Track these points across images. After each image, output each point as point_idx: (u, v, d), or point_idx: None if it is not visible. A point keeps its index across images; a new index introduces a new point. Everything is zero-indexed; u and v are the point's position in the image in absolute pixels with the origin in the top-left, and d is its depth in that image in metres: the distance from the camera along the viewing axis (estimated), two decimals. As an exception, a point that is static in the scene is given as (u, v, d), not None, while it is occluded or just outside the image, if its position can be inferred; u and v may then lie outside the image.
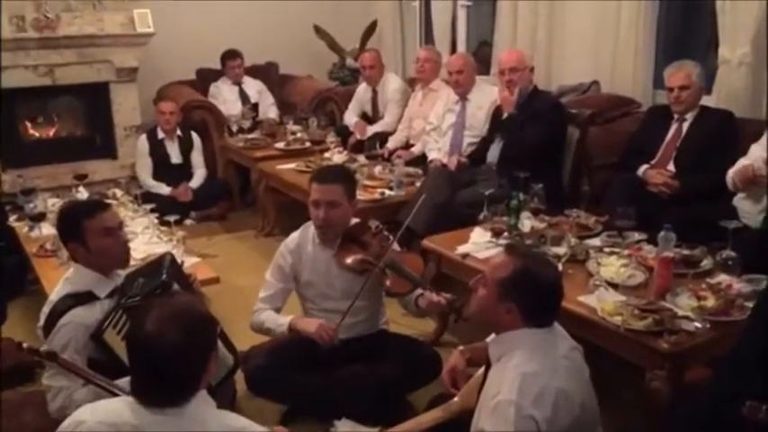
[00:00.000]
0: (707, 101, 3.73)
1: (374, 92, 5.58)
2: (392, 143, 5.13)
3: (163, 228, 3.69)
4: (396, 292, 2.70)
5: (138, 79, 5.75)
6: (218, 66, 6.01)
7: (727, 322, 2.31)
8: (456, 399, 2.17)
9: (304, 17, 6.40)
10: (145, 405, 1.53)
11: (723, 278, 2.58)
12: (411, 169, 4.41)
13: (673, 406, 2.21)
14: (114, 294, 2.28)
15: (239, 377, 2.68)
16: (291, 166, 4.65)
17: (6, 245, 3.82)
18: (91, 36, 5.45)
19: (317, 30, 6.46)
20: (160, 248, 3.22)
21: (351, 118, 5.66)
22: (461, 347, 2.31)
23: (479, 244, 3.11)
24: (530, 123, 3.91)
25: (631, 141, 3.86)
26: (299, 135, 5.34)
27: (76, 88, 5.68)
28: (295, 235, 2.86)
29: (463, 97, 4.53)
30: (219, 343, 1.81)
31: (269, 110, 6.09)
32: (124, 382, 1.87)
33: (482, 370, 2.06)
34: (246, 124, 5.57)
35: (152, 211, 3.89)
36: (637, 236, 2.95)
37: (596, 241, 3.01)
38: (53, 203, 4.14)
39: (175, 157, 5.43)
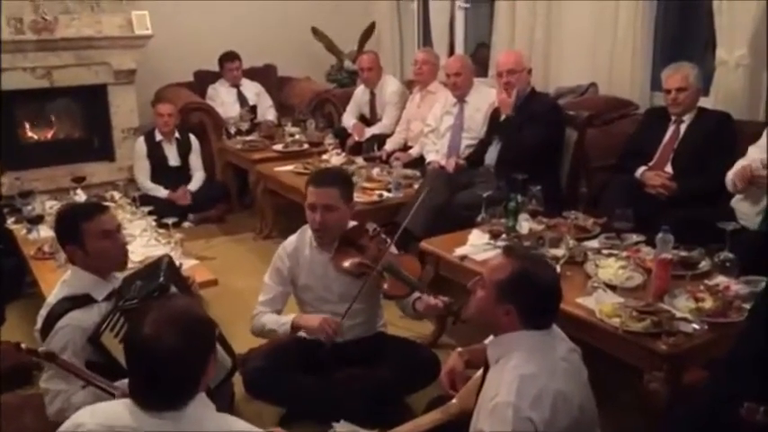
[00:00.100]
0: (704, 102, 3.73)
1: (372, 94, 5.59)
2: (390, 145, 5.13)
3: (161, 230, 3.69)
4: (393, 296, 2.70)
5: (135, 81, 5.75)
6: (216, 68, 6.01)
7: (724, 324, 2.31)
8: (454, 401, 2.17)
9: (302, 19, 6.41)
10: (143, 408, 1.53)
11: (721, 280, 2.58)
12: (409, 171, 4.42)
13: (671, 407, 2.21)
14: (112, 297, 2.28)
15: (237, 379, 2.67)
16: (289, 168, 4.65)
17: (4, 247, 3.82)
18: (89, 38, 5.45)
19: (315, 32, 6.46)
20: (158, 251, 3.22)
21: (349, 120, 5.66)
22: (460, 349, 2.32)
23: (477, 246, 3.10)
24: (527, 125, 3.92)
25: (629, 143, 3.86)
26: (297, 137, 5.34)
27: (74, 90, 5.67)
28: (292, 238, 2.86)
29: (461, 99, 4.54)
30: (218, 345, 1.80)
31: (267, 112, 6.09)
32: (124, 383, 1.87)
33: (480, 372, 2.06)
34: (244, 126, 5.56)
35: (150, 213, 3.89)
36: (635, 237, 2.96)
37: (594, 243, 3.01)
38: (51, 206, 4.14)
39: (173, 159, 5.42)
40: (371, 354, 2.79)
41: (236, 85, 6.01)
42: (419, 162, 4.72)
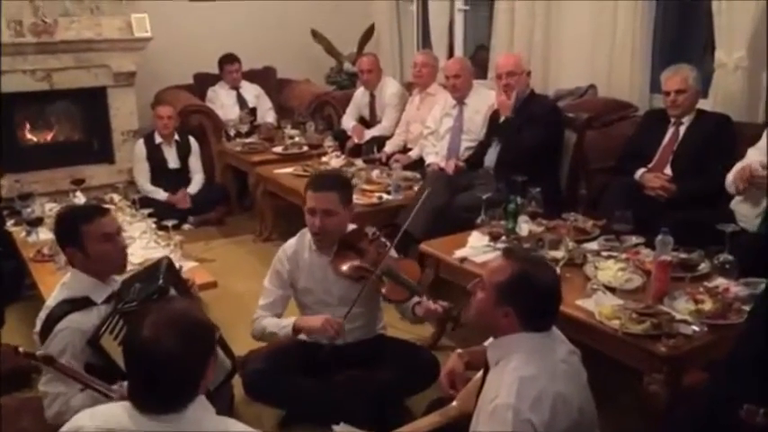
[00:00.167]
0: (703, 104, 3.73)
1: (372, 96, 5.59)
2: (390, 147, 5.13)
3: (160, 232, 3.69)
4: (392, 300, 2.70)
5: (135, 84, 5.75)
6: (215, 70, 6.01)
7: (724, 326, 2.32)
8: (454, 403, 2.17)
9: (301, 21, 6.41)
10: (142, 411, 1.52)
11: (720, 282, 2.58)
12: (409, 173, 4.41)
13: (670, 409, 2.21)
14: (111, 300, 2.28)
15: (237, 382, 2.67)
16: (289, 170, 4.65)
17: (3, 250, 3.81)
18: (88, 41, 5.45)
19: (315, 34, 6.47)
20: (158, 253, 3.22)
21: (348, 122, 5.66)
22: (459, 351, 2.31)
23: (477, 248, 3.10)
24: (527, 127, 3.92)
25: (628, 145, 3.86)
26: (296, 139, 5.33)
27: (74, 93, 5.67)
28: (292, 241, 2.86)
29: (460, 101, 4.54)
30: (217, 348, 1.80)
31: (267, 114, 6.09)
32: (123, 385, 1.87)
33: (480, 373, 2.06)
34: (244, 128, 5.56)
35: (150, 215, 3.89)
36: (634, 239, 2.96)
37: (594, 245, 3.01)
38: (50, 208, 4.14)
39: (173, 161, 5.41)
40: (371, 356, 2.79)
41: (236, 88, 6.01)
42: (419, 164, 4.72)
